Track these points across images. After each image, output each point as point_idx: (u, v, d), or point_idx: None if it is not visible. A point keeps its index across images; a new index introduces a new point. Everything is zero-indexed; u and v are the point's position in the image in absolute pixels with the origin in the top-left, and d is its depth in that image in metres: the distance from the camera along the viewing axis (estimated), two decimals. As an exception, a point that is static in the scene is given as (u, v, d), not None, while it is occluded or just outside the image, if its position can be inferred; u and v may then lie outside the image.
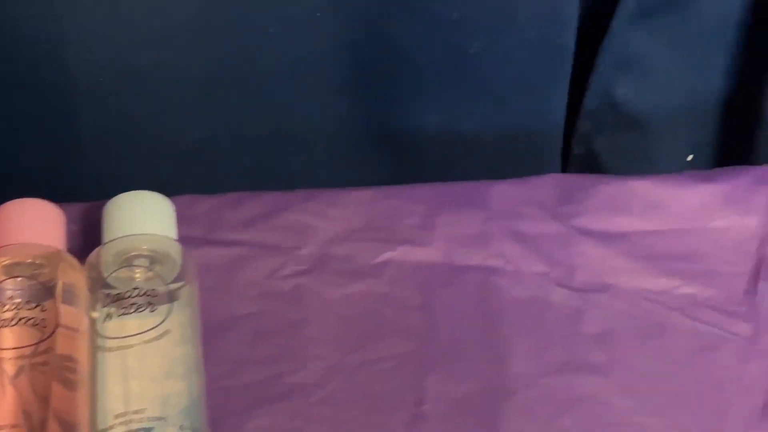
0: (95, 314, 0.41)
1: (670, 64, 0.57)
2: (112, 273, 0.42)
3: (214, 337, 0.44)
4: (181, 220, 0.47)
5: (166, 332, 0.40)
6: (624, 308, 0.47)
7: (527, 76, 0.55)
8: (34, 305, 0.40)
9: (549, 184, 0.50)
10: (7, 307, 0.40)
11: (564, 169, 0.62)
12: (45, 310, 0.40)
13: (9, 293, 0.41)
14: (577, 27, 0.55)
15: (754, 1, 0.55)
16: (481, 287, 0.47)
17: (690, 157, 0.63)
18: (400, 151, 0.58)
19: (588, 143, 0.61)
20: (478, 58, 0.54)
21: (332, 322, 0.45)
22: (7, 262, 0.41)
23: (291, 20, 0.52)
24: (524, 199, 0.50)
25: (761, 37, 0.57)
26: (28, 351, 0.39)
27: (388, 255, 0.47)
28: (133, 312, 0.40)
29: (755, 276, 0.48)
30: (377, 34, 0.53)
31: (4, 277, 0.41)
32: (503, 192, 0.50)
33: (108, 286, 0.42)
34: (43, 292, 0.41)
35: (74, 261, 0.43)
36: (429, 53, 0.54)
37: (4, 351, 0.39)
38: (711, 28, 0.56)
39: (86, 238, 0.47)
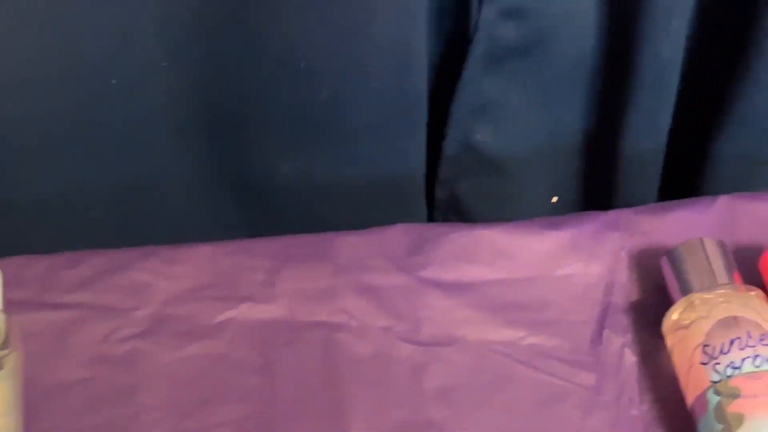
0: None
1: (526, 108, 0.57)
2: (-72, 344, 0.40)
3: (42, 406, 0.42)
4: (14, 282, 0.45)
5: (-19, 406, 0.39)
6: (469, 361, 0.46)
7: (381, 123, 0.55)
8: None
9: (397, 235, 0.50)
10: None
11: (430, 214, 0.62)
12: None
13: None
14: (434, 73, 0.55)
15: (607, 42, 0.56)
16: (324, 344, 0.46)
17: (555, 199, 0.63)
18: (255, 201, 0.57)
19: (451, 188, 0.60)
20: (329, 105, 0.53)
21: (167, 386, 0.44)
22: None
23: (135, 70, 0.51)
24: (372, 251, 0.49)
25: (614, 76, 0.57)
26: None
27: (229, 314, 0.46)
28: (-55, 387, 0.39)
29: (600, 324, 0.48)
30: (225, 83, 0.52)
31: None
32: (350, 244, 0.49)
33: (-77, 358, 0.40)
34: None
35: None
36: (279, 101, 0.53)
37: None
38: (564, 70, 0.56)
39: None
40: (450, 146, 0.58)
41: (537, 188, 0.62)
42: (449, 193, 0.60)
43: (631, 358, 0.46)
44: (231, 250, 0.48)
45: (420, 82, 0.53)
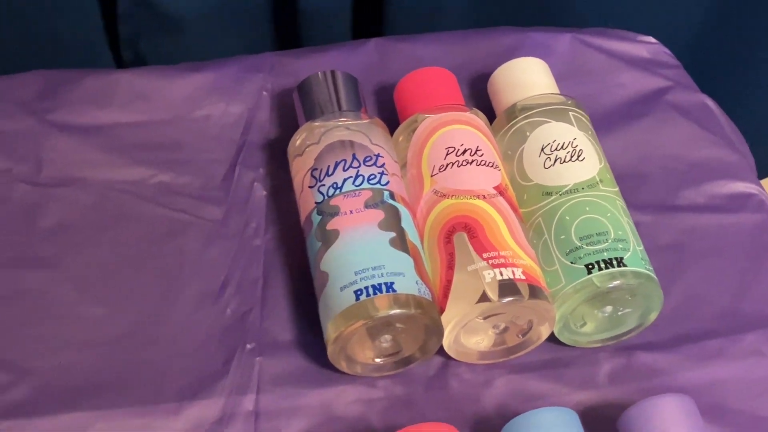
0: None
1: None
2: None
3: None
4: None
5: None
6: (90, 201, 0.45)
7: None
8: None
9: (33, 80, 0.48)
10: None
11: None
12: None
13: None
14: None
15: None
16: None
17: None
18: None
19: (134, 48, 0.58)
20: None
21: None
22: None
23: None
24: (2, 96, 0.47)
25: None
26: None
27: None
28: None
29: (234, 162, 0.47)
30: None
31: None
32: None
33: None
34: None
35: None
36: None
37: None
38: None
39: None
40: (123, 2, 0.56)
41: (226, 48, 0.60)
42: (134, 53, 0.59)
43: (260, 192, 0.46)
44: None
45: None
